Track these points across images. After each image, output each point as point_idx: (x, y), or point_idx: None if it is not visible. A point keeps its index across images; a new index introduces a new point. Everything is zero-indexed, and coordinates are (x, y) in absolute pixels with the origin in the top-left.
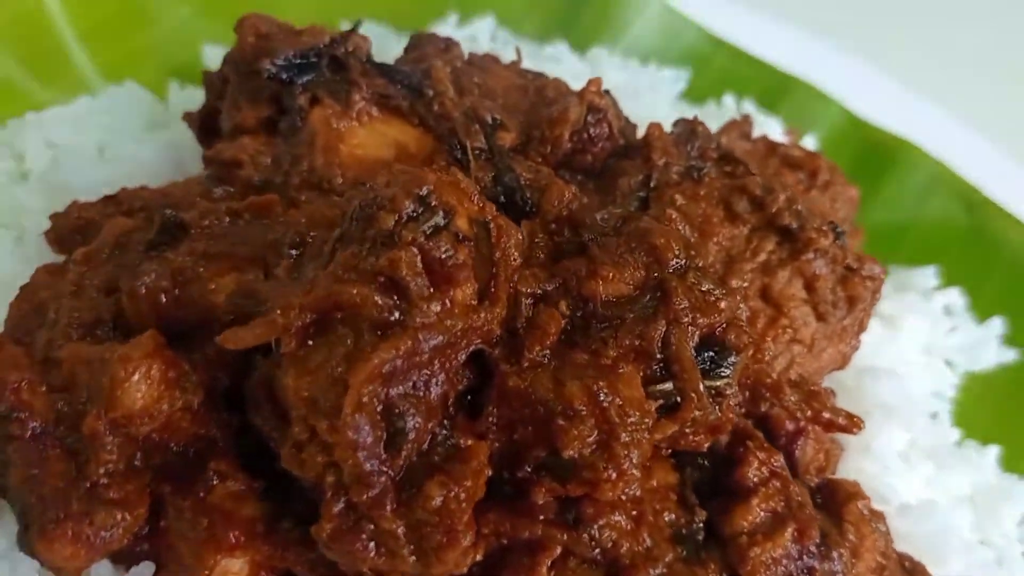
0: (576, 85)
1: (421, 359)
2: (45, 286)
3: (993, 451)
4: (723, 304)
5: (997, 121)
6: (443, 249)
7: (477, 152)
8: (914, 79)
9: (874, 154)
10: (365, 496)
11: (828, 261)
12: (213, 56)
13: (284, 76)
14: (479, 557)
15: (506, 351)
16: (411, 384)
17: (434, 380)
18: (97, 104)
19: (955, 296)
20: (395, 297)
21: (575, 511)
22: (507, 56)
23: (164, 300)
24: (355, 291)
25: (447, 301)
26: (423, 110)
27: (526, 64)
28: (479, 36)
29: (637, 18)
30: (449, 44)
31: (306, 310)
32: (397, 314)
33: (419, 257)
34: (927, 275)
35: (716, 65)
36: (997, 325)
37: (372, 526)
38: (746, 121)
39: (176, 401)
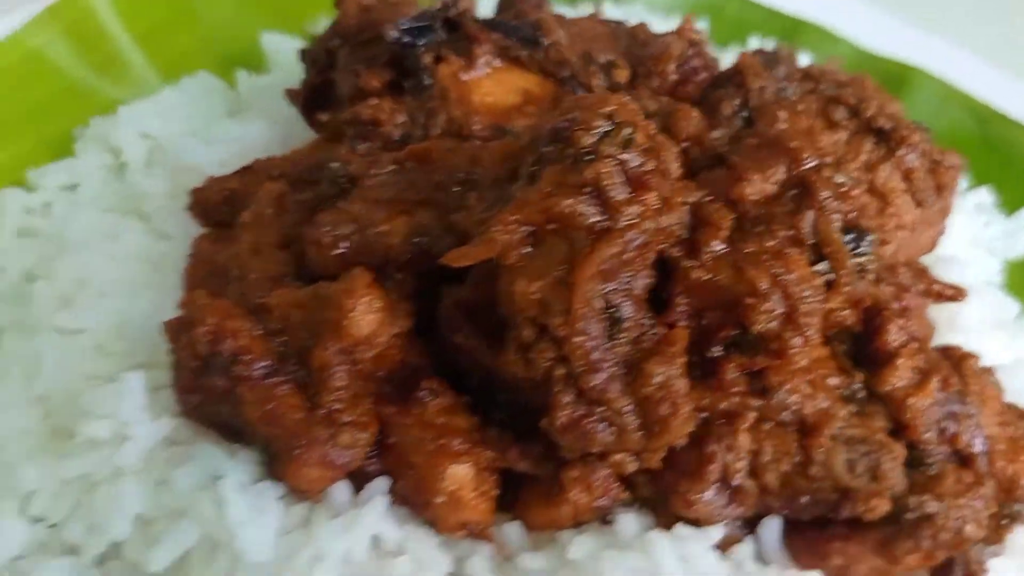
0: None
1: (628, 256)
2: (214, 252)
3: None
4: (855, 192)
5: (999, 48)
6: (634, 160)
7: (599, 89)
8: (916, 14)
9: (886, 82)
10: (595, 382)
11: (919, 155)
12: (271, 42)
13: (407, 40)
14: (691, 428)
15: (685, 249)
16: (621, 279)
17: (638, 276)
18: (179, 95)
19: (984, 195)
20: (599, 205)
21: (763, 383)
22: None
23: (345, 247)
24: (567, 203)
25: (643, 204)
26: (541, 57)
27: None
28: None
29: None
30: (540, 1)
31: (523, 224)
32: (602, 219)
33: (618, 168)
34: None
35: (729, 13)
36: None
37: (601, 408)
38: (791, 54)
39: (393, 327)
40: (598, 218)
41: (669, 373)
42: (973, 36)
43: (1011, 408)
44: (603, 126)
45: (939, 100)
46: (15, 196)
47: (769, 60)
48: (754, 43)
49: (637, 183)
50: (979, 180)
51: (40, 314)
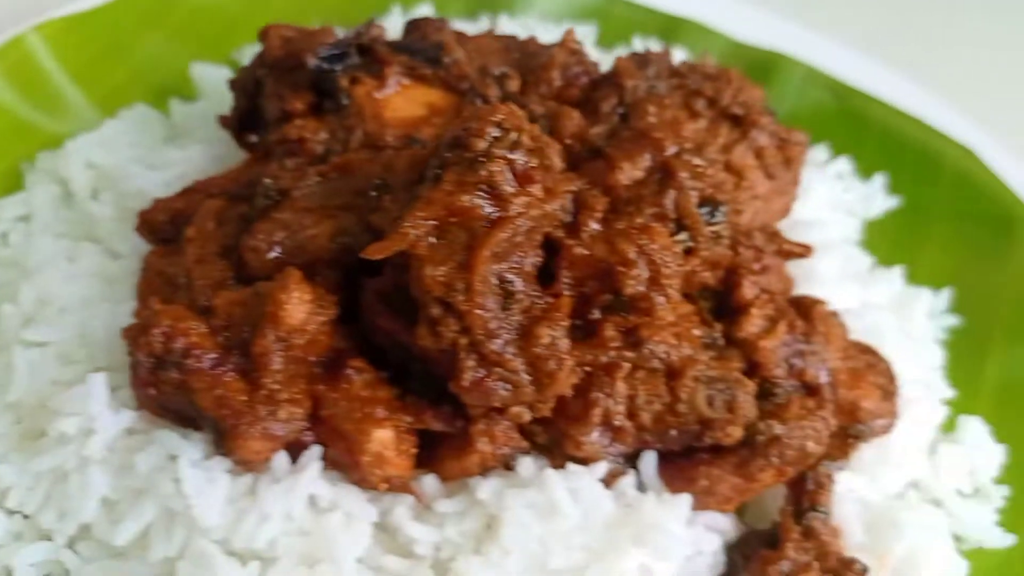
0: None
1: (517, 240)
2: (163, 265)
3: (897, 270)
4: (709, 171)
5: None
6: (520, 159)
7: (496, 98)
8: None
9: (755, 68)
10: (493, 347)
11: (768, 135)
12: (200, 72)
13: (325, 66)
14: (575, 380)
15: (567, 230)
16: (512, 259)
17: (527, 255)
18: (118, 126)
19: (843, 164)
20: (491, 199)
21: (635, 337)
22: None
23: (278, 251)
24: (465, 199)
25: (529, 195)
26: (443, 74)
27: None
28: None
29: None
30: (442, 23)
31: (429, 219)
32: (495, 210)
33: (507, 167)
34: (819, 151)
35: (615, 16)
36: (879, 180)
37: (498, 369)
38: (667, 51)
39: (321, 316)
40: (492, 209)
41: (554, 335)
42: (833, 23)
43: (854, 344)
44: (494, 132)
45: (803, 81)
46: None
47: (641, 61)
48: (637, 43)
49: (523, 178)
50: (839, 151)
51: (7, 332)
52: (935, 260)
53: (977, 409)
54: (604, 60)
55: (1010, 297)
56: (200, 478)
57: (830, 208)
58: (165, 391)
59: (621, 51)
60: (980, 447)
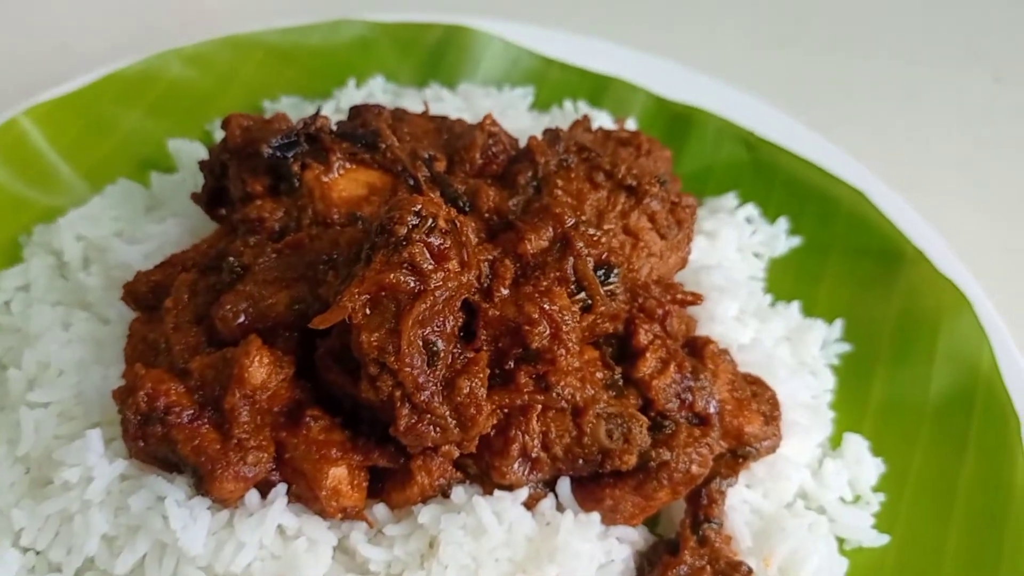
0: (459, 114)
1: (437, 308)
2: (146, 331)
3: (795, 305)
4: (603, 239)
5: (767, 84)
6: (436, 241)
7: (424, 178)
8: (697, 61)
9: (676, 122)
10: (422, 398)
11: (659, 201)
12: (175, 147)
13: (278, 154)
14: (494, 421)
15: (482, 295)
16: (435, 324)
17: (447, 319)
18: (104, 201)
19: (751, 209)
20: (414, 275)
21: (545, 382)
22: (398, 102)
23: (244, 319)
24: (392, 276)
25: (446, 271)
26: (380, 158)
27: (427, 108)
28: (375, 92)
29: (485, 54)
30: (380, 109)
31: (363, 294)
32: (416, 284)
33: (424, 248)
34: (730, 199)
35: (551, 79)
36: (783, 223)
37: (428, 415)
38: (586, 119)
39: (279, 374)
40: (415, 283)
41: (473, 385)
42: (749, 77)
43: (743, 376)
44: (413, 220)
45: (716, 133)
46: None
47: (552, 139)
48: (568, 106)
49: (439, 256)
50: (749, 196)
51: (14, 394)
52: (830, 293)
53: (861, 427)
54: (539, 122)
55: (892, 325)
56: (185, 515)
57: (737, 250)
58: (151, 443)
59: (556, 112)
60: (860, 461)
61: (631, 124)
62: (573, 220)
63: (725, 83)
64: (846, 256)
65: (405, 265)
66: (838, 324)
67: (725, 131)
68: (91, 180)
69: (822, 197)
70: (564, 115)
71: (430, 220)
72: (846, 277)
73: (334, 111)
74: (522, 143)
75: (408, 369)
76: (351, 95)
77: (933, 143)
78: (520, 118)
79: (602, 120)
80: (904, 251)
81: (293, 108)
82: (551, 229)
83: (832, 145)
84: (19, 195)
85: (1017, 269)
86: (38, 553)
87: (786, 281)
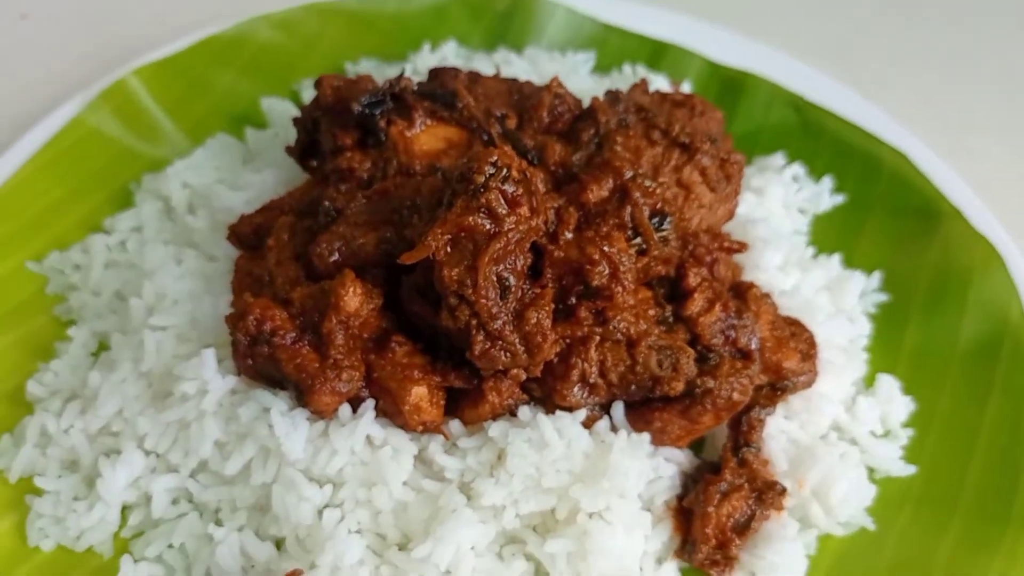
0: (526, 77)
1: (510, 248)
2: (250, 267)
3: (836, 257)
4: (658, 191)
5: (817, 50)
6: (510, 189)
7: (496, 134)
8: (750, 28)
9: (729, 86)
10: (495, 326)
11: (710, 157)
12: (268, 105)
13: (367, 111)
14: (558, 349)
15: (548, 239)
16: (507, 262)
17: (518, 259)
18: (205, 153)
19: (797, 168)
20: (490, 219)
21: (603, 316)
22: (469, 65)
23: (337, 256)
24: (470, 219)
25: (518, 215)
26: (457, 116)
27: (498, 71)
28: (448, 56)
29: (550, 21)
30: (457, 72)
31: (445, 234)
32: (492, 227)
33: (499, 195)
34: (778, 158)
35: (611, 44)
36: (827, 181)
37: (500, 342)
38: (644, 82)
39: (370, 304)
40: (490, 226)
41: (539, 317)
42: (801, 43)
43: (783, 318)
44: (490, 169)
45: (767, 97)
46: (99, 240)
47: (613, 99)
48: (627, 70)
49: (513, 203)
50: (796, 156)
51: (136, 319)
52: (870, 247)
53: (894, 369)
54: (600, 85)
55: (927, 277)
56: (287, 424)
57: (783, 206)
58: (258, 361)
59: (615, 75)
60: (892, 399)
61: (686, 87)
62: (631, 173)
63: (776, 49)
64: (886, 213)
65: (482, 209)
66: (876, 275)
67: (775, 95)
68: (192, 135)
69: (865, 157)
70: (623, 78)
71: (504, 170)
72: (886, 232)
73: (411, 73)
74: (585, 104)
75: (483, 301)
76: (426, 59)
77: (977, 109)
78: (582, 81)
79: (659, 83)
80: (941, 209)
81: (373, 70)
82: (611, 181)
83: (877, 109)
84: (129, 147)
85: None
86: (159, 456)
87: (829, 235)
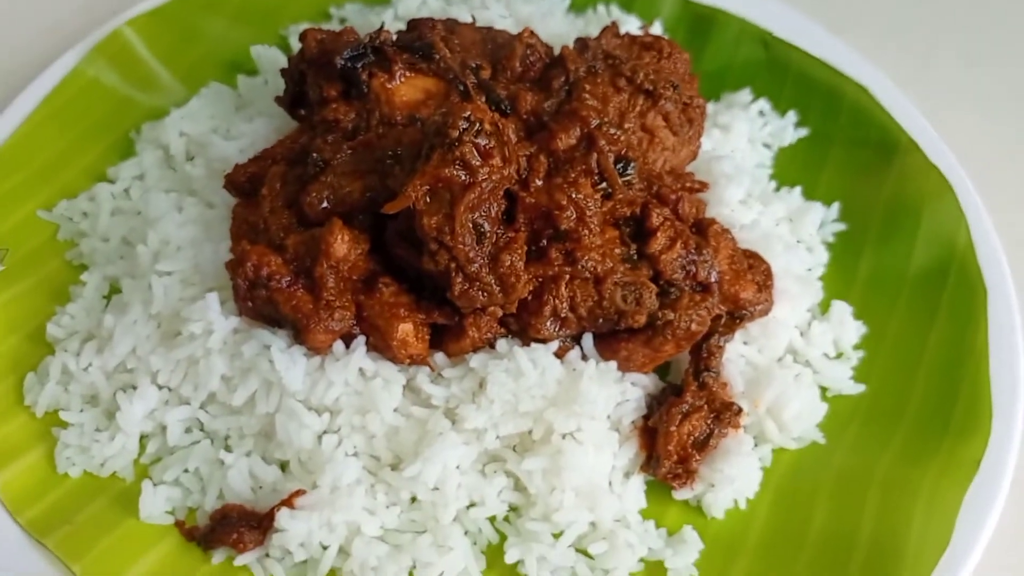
0: (502, 21)
1: (484, 196)
2: (246, 214)
3: (798, 189)
4: (622, 138)
5: None
6: (483, 142)
7: (472, 85)
8: None
9: (700, 22)
10: (472, 269)
11: (673, 103)
12: (257, 52)
13: (349, 64)
14: (531, 287)
15: (520, 186)
16: (482, 210)
17: (492, 206)
18: (200, 101)
19: (763, 104)
20: (465, 170)
21: (572, 256)
22: (448, 8)
23: (326, 204)
24: (447, 171)
25: (491, 166)
26: (435, 67)
27: (473, 20)
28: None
29: None
30: (433, 23)
31: (423, 185)
32: (467, 177)
33: (473, 148)
34: (744, 93)
35: None
36: (792, 115)
37: (478, 283)
38: (615, 25)
39: (357, 249)
40: (465, 177)
41: (513, 259)
42: None
43: (740, 252)
44: (463, 124)
45: (736, 32)
46: (105, 188)
47: (582, 47)
48: (601, 9)
49: (485, 155)
50: (761, 93)
51: (143, 265)
52: (831, 179)
53: (848, 295)
54: (574, 26)
55: (883, 207)
56: (286, 359)
57: (748, 141)
58: (257, 304)
59: (590, 14)
60: (844, 323)
61: (657, 27)
62: (597, 121)
63: None
64: (847, 145)
65: (457, 162)
66: (835, 206)
67: (744, 31)
68: (186, 83)
69: (828, 92)
70: (598, 18)
71: (477, 124)
72: (846, 164)
73: (393, 18)
74: (556, 50)
75: (461, 246)
76: (407, 3)
77: (942, 41)
78: (558, 24)
79: (631, 24)
80: (899, 141)
81: (356, 14)
82: (579, 129)
83: (842, 44)
84: (127, 96)
85: (1001, 157)
86: (171, 389)
87: (792, 168)
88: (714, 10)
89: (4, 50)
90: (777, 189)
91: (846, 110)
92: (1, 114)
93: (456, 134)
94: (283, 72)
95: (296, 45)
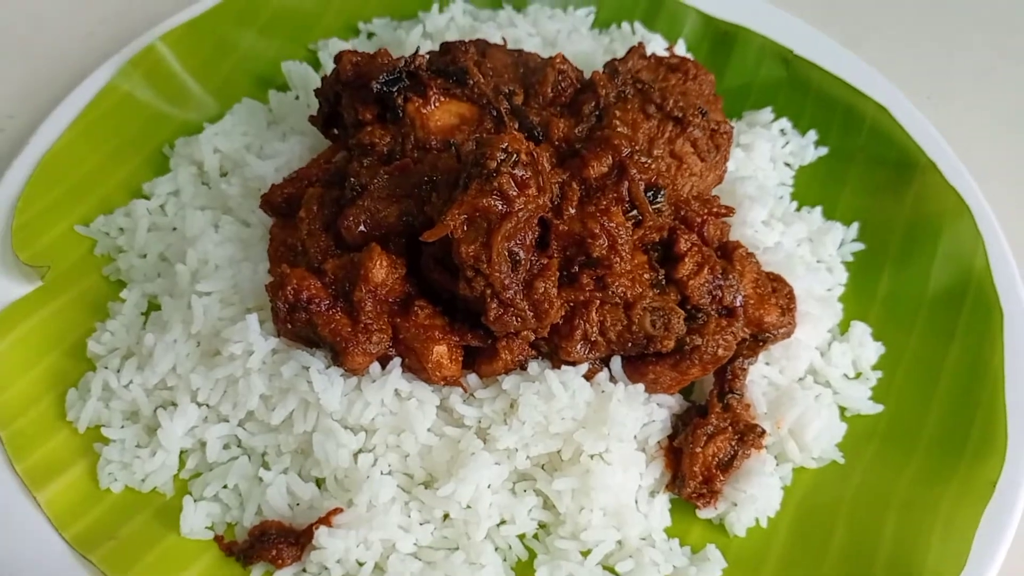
0: (530, 39)
1: (520, 225)
2: (284, 235)
3: (818, 209)
4: (653, 166)
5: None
6: (519, 173)
7: (505, 111)
8: None
9: (722, 39)
10: (507, 295)
11: (701, 129)
12: (288, 68)
13: (385, 88)
14: (563, 312)
15: (553, 213)
16: (517, 238)
17: (527, 234)
18: (233, 118)
19: (784, 123)
20: (502, 200)
21: (603, 282)
22: (476, 25)
23: (363, 228)
24: (484, 201)
25: (526, 196)
26: (469, 92)
27: (504, 42)
28: (456, 15)
29: None
30: (467, 47)
31: (462, 214)
32: (504, 207)
33: (510, 179)
34: (766, 113)
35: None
36: (812, 134)
37: (512, 308)
38: (641, 46)
39: (395, 273)
40: (502, 207)
41: (546, 285)
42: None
43: (765, 274)
44: (501, 155)
45: (758, 50)
46: (141, 204)
47: (612, 72)
48: (626, 27)
49: (522, 185)
50: (784, 110)
51: (183, 284)
52: (850, 198)
53: (867, 316)
54: (599, 42)
55: (901, 227)
56: (324, 380)
57: (770, 160)
58: (297, 326)
59: (614, 31)
60: (863, 344)
61: (680, 46)
62: (628, 150)
63: (768, 1)
64: (866, 165)
65: (495, 192)
66: (854, 226)
67: (765, 48)
68: (218, 97)
69: (848, 111)
70: (622, 35)
71: (515, 155)
72: (865, 184)
73: (421, 34)
74: (584, 68)
75: (497, 274)
76: (435, 20)
77: (957, 55)
78: (583, 40)
79: (655, 44)
80: (918, 161)
81: (384, 28)
82: (610, 157)
83: (862, 62)
84: (160, 111)
85: (1019, 178)
86: (211, 407)
87: (812, 187)
88: (736, 27)
89: (40, 60)
90: (798, 209)
91: (866, 129)
92: (36, 130)
93: (494, 165)
94: (317, 93)
95: (326, 60)
